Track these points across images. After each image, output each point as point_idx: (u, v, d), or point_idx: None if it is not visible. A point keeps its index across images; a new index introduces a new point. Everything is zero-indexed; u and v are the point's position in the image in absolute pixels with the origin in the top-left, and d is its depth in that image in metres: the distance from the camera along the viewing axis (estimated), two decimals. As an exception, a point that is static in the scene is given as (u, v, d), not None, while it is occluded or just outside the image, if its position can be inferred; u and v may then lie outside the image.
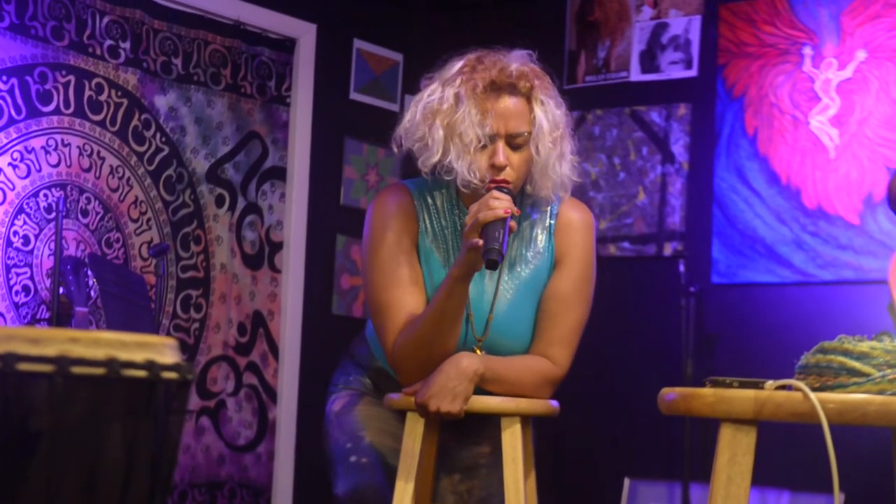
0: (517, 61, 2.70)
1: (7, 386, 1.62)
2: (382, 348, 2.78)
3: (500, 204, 2.55)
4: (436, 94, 2.71)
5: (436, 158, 2.68)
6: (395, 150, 2.79)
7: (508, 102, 2.66)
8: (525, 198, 2.78)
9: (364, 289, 2.89)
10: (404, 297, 2.72)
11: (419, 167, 2.75)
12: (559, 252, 2.80)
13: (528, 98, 2.68)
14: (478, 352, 2.78)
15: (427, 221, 2.79)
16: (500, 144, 2.65)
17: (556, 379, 2.77)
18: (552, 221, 2.81)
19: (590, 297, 2.83)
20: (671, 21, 5.21)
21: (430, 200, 2.79)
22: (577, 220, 2.82)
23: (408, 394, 2.70)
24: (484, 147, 2.66)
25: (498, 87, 2.66)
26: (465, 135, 2.64)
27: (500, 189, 2.63)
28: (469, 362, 2.65)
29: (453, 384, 2.62)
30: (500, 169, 2.65)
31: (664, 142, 5.15)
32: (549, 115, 2.68)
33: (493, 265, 2.52)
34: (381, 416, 2.92)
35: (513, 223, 2.59)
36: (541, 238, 2.80)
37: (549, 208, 2.81)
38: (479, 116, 2.64)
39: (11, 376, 1.62)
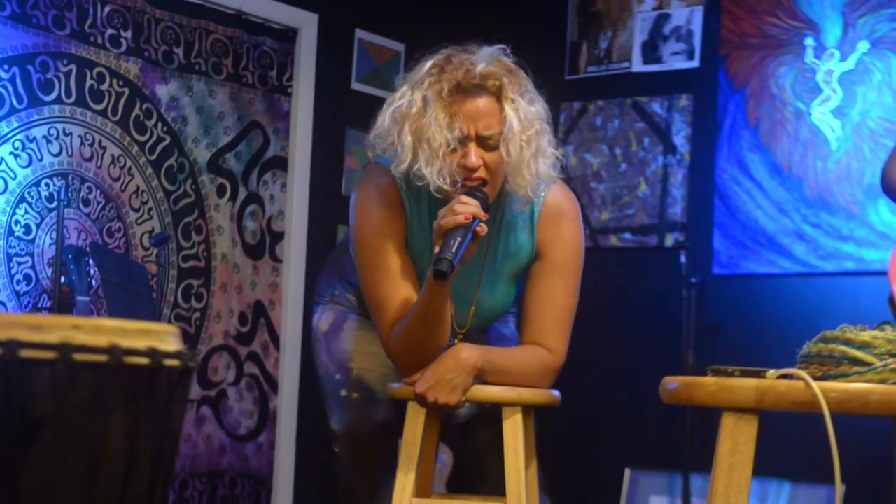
0: (485, 60, 2.65)
1: (9, 373, 1.62)
2: (380, 339, 2.79)
3: (465, 209, 2.52)
4: (405, 98, 2.67)
5: (405, 165, 2.65)
6: (370, 155, 2.78)
7: (477, 103, 2.61)
8: (506, 192, 2.74)
9: (356, 274, 2.89)
10: (394, 290, 2.72)
11: (392, 172, 2.73)
12: (541, 242, 2.80)
13: (498, 97, 2.63)
14: (458, 343, 2.80)
15: (412, 206, 2.78)
16: (472, 146, 2.61)
17: (555, 368, 2.78)
18: (536, 211, 2.79)
19: (576, 286, 2.82)
20: (673, 12, 5.20)
21: (415, 184, 2.73)
22: (560, 210, 2.80)
23: (408, 383, 2.70)
24: (455, 150, 2.62)
25: (465, 89, 2.61)
26: (434, 140, 2.60)
27: (471, 192, 2.60)
28: (469, 354, 2.65)
29: (451, 376, 2.63)
30: (473, 170, 2.62)
31: (666, 133, 5.15)
32: (521, 113, 2.63)
33: (439, 276, 2.50)
34: (366, 338, 2.94)
35: (480, 227, 2.55)
36: (523, 229, 2.80)
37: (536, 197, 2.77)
38: (447, 120, 2.60)
39: (13, 363, 1.62)
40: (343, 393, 2.92)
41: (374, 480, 2.92)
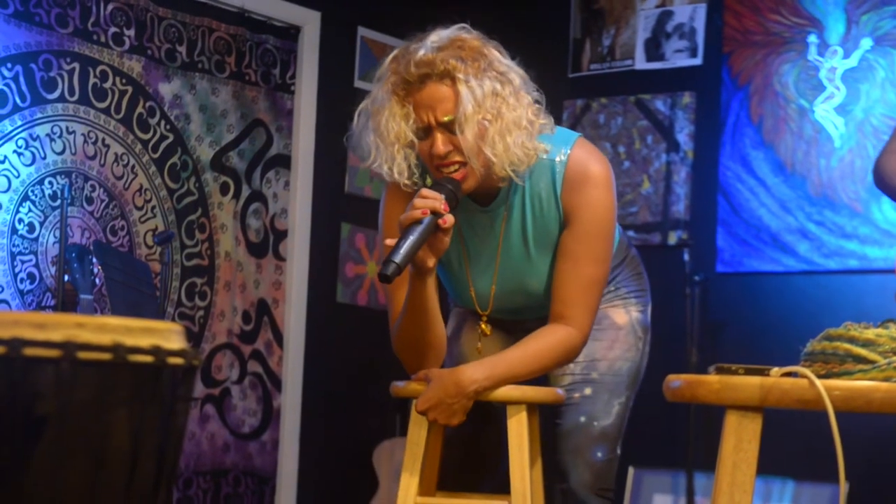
0: (433, 44, 2.58)
1: (13, 371, 1.62)
2: None
3: (423, 203, 2.49)
4: (370, 96, 2.65)
5: (368, 162, 2.64)
6: (356, 156, 2.78)
7: (429, 91, 2.55)
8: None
9: None
10: (398, 289, 2.72)
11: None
12: (567, 209, 2.68)
13: (452, 79, 2.54)
14: (483, 327, 2.79)
15: None
16: (437, 134, 2.56)
17: (578, 344, 2.71)
18: (558, 178, 2.68)
19: (603, 255, 2.71)
20: (676, 9, 5.20)
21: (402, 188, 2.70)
22: (584, 174, 2.67)
23: (418, 379, 2.70)
24: (415, 142, 2.59)
25: (414, 80, 2.56)
26: (389, 133, 2.57)
27: (437, 184, 2.57)
28: (471, 376, 2.63)
29: (451, 401, 2.63)
30: (443, 157, 2.57)
31: (669, 130, 5.15)
32: (475, 92, 2.53)
33: (383, 279, 2.47)
34: (481, 344, 2.90)
35: (444, 220, 2.50)
36: (548, 197, 2.70)
37: (553, 160, 2.67)
38: (402, 112, 2.56)
39: (17, 361, 1.62)
40: None
41: (479, 477, 2.96)
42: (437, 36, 2.62)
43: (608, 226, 2.71)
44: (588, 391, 2.84)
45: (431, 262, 2.55)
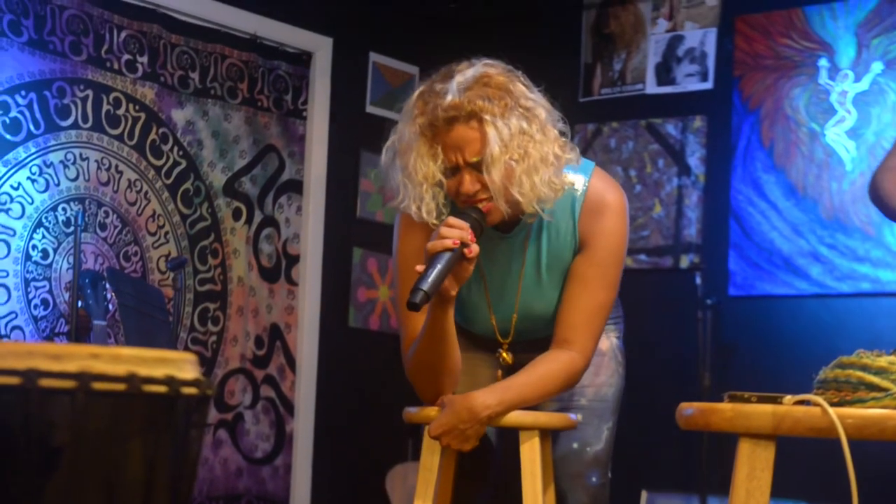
0: (459, 86, 2.58)
1: (28, 402, 1.63)
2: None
3: (451, 233, 2.51)
4: (398, 130, 2.67)
5: (396, 201, 2.67)
6: (386, 189, 2.79)
7: (457, 133, 2.57)
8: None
9: None
10: (411, 317, 2.73)
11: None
12: (583, 235, 2.73)
13: (480, 120, 2.56)
14: (504, 355, 2.80)
15: None
16: (464, 174, 2.59)
17: (580, 369, 2.75)
18: (578, 205, 2.73)
19: (614, 282, 2.76)
20: (687, 33, 5.21)
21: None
22: (602, 202, 2.73)
23: (436, 406, 2.71)
24: (443, 182, 2.61)
25: (440, 125, 2.58)
26: (416, 174, 2.59)
27: (462, 213, 2.59)
28: (483, 403, 2.64)
29: (464, 427, 2.64)
30: (471, 196, 2.60)
31: (680, 154, 5.15)
32: (502, 133, 2.55)
33: (411, 307, 2.48)
34: (468, 370, 2.89)
35: (469, 250, 2.52)
36: (565, 225, 2.74)
37: (575, 190, 2.72)
38: (430, 152, 2.59)
39: (33, 392, 1.63)
40: None
41: (473, 495, 2.96)
42: (463, 76, 2.61)
43: (621, 253, 2.77)
44: (578, 417, 2.87)
45: (454, 291, 2.57)
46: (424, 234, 2.73)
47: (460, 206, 2.64)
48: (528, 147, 2.59)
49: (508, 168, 2.57)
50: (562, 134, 2.67)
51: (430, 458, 2.70)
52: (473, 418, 2.63)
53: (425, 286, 2.47)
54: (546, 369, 2.72)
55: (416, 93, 2.66)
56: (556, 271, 2.77)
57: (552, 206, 2.66)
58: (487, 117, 2.56)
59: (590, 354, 2.75)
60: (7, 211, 4.22)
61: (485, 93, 2.57)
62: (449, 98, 2.57)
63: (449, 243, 2.50)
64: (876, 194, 3.42)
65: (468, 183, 2.59)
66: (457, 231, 2.52)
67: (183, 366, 1.78)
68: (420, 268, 2.51)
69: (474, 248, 2.54)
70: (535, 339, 2.88)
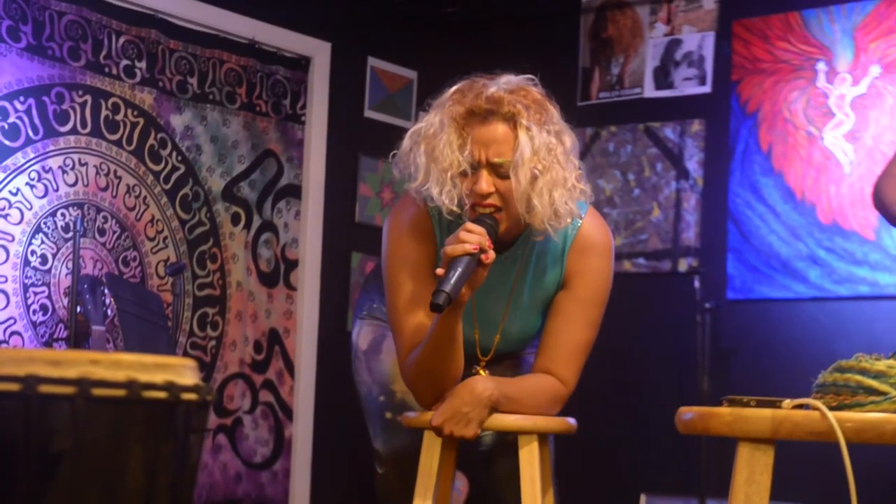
0: (504, 86, 2.63)
1: (29, 408, 1.63)
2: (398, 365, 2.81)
3: (471, 238, 2.51)
4: (426, 120, 2.69)
5: (416, 183, 2.67)
6: (397, 175, 2.79)
7: (490, 129, 2.60)
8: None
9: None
10: (412, 318, 2.73)
11: (412, 193, 2.74)
12: (568, 273, 2.78)
13: (514, 124, 2.60)
14: (481, 372, 2.80)
15: (443, 234, 2.79)
16: (483, 172, 2.60)
17: (564, 398, 2.79)
18: (568, 243, 2.78)
19: (597, 320, 2.81)
20: (685, 37, 5.22)
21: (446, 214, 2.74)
22: (591, 243, 2.78)
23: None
24: (467, 174, 2.62)
25: (478, 114, 2.60)
26: (443, 160, 2.60)
27: (479, 219, 2.60)
28: (484, 387, 2.65)
29: (467, 409, 2.64)
30: (484, 196, 2.61)
31: (678, 158, 5.16)
32: (535, 141, 2.59)
33: (435, 308, 2.49)
34: None
35: (486, 256, 2.53)
36: (554, 260, 2.79)
37: (567, 227, 2.75)
38: (458, 142, 2.60)
39: (33, 398, 1.63)
40: (388, 416, 2.95)
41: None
42: (507, 80, 2.66)
43: (605, 294, 2.81)
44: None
45: (467, 296, 2.57)
46: (419, 241, 2.74)
47: (469, 206, 2.64)
48: (553, 164, 2.62)
49: (534, 175, 2.59)
50: (578, 169, 2.71)
51: (429, 462, 2.70)
52: (475, 400, 2.63)
53: (447, 288, 2.48)
54: (537, 381, 2.76)
55: (454, 88, 2.69)
56: (539, 299, 2.82)
57: (562, 227, 2.68)
58: (524, 121, 2.59)
59: (572, 387, 2.78)
60: (6, 216, 4.22)
61: (524, 101, 2.62)
62: (493, 90, 2.61)
63: (469, 247, 2.51)
64: (879, 201, 3.43)
65: (485, 182, 2.60)
66: (476, 236, 2.53)
67: (183, 371, 1.78)
68: (440, 271, 2.51)
69: (491, 255, 2.55)
70: (506, 355, 2.92)
